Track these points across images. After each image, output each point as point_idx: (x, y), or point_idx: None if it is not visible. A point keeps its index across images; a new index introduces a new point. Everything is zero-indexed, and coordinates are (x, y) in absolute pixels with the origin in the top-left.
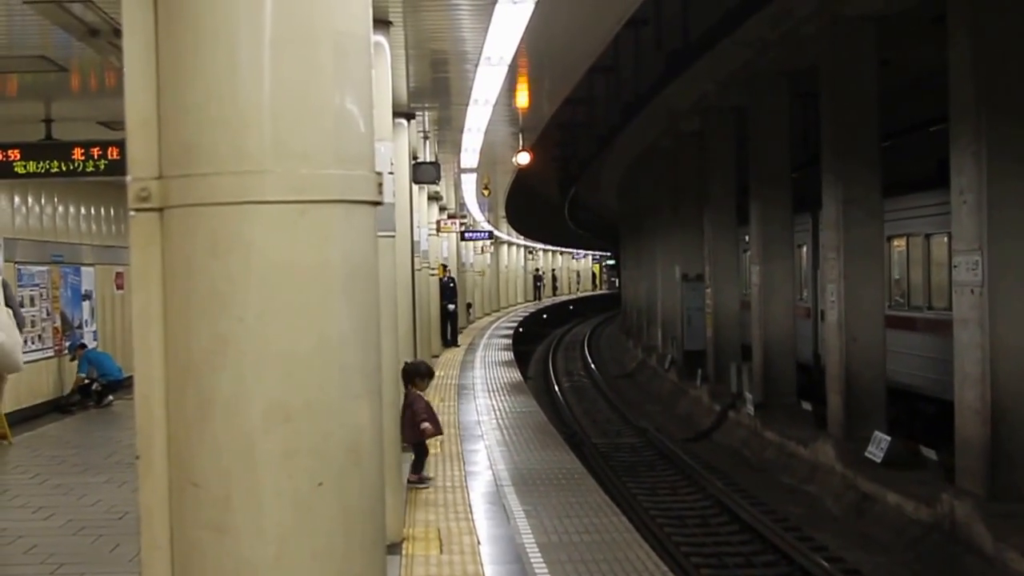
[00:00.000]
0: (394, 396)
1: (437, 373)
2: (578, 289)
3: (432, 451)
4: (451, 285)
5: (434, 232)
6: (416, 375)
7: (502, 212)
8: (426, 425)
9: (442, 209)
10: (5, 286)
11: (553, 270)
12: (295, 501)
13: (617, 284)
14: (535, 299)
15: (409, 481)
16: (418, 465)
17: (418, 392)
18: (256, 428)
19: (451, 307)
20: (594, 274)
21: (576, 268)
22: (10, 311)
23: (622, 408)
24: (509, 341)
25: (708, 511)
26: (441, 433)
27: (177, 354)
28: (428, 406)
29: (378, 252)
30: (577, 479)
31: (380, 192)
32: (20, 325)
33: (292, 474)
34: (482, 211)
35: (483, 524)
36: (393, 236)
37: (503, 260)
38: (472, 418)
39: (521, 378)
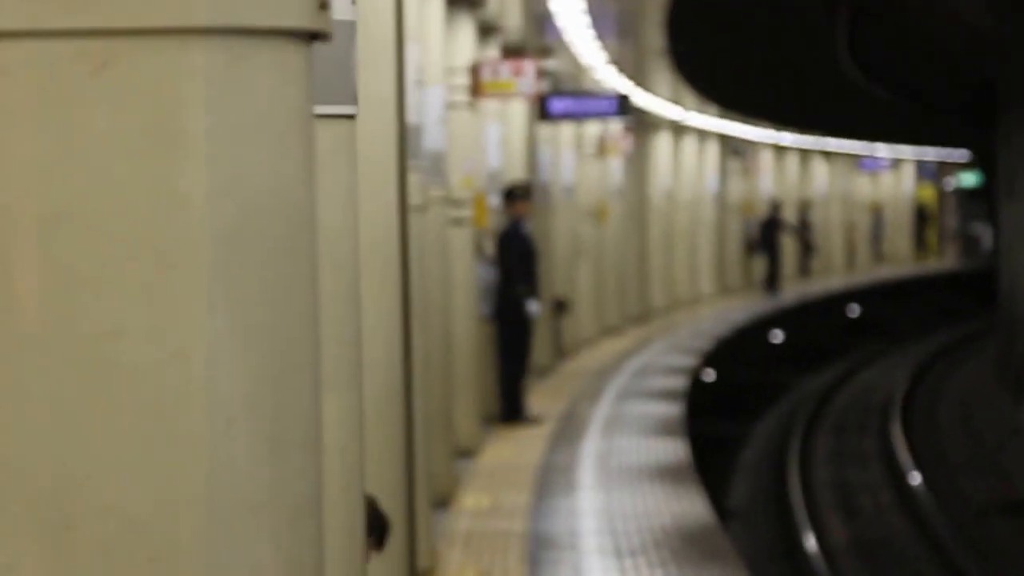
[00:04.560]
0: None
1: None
2: (878, 257)
3: None
4: (518, 245)
5: (464, 96)
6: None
7: (656, 40)
8: None
9: (487, 32)
10: None
11: (803, 204)
12: None
13: (989, 243)
14: (766, 287)
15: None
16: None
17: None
18: None
19: (530, 307)
20: (922, 213)
21: (871, 197)
22: None
23: None
24: (675, 409)
25: None
26: None
27: None
28: None
29: (315, 167)
30: None
31: (324, 7)
32: None
33: None
34: (601, 38)
35: None
36: (352, 116)
37: (659, 174)
38: None
39: (712, 518)
